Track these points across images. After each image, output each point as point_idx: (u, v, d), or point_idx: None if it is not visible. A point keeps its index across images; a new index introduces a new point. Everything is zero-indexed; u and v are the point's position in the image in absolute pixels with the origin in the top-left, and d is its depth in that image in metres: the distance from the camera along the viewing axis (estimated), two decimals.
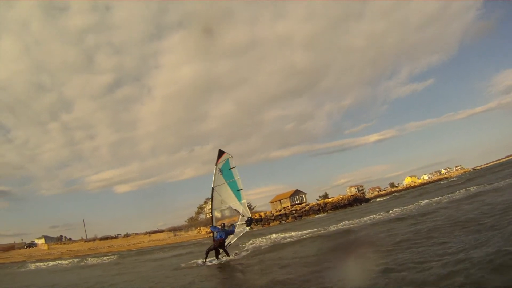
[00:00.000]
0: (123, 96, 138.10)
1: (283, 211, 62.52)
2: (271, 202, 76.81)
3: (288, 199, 71.12)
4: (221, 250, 13.54)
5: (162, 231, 59.42)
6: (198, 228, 56.63)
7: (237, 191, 16.11)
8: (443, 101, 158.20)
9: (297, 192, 72.97)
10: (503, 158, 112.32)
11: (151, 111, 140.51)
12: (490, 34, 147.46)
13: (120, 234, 63.92)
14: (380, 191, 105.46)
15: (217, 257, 13.48)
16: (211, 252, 13.47)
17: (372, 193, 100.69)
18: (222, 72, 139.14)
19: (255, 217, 60.43)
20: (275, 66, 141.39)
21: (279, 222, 59.35)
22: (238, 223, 16.02)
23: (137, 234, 62.36)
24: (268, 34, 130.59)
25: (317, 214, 62.53)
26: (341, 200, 68.12)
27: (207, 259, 13.25)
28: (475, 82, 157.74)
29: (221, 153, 15.94)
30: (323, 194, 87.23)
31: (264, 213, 62.25)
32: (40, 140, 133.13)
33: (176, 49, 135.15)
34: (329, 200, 69.86)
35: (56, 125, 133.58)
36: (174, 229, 57.68)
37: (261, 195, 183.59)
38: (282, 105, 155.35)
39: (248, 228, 16.11)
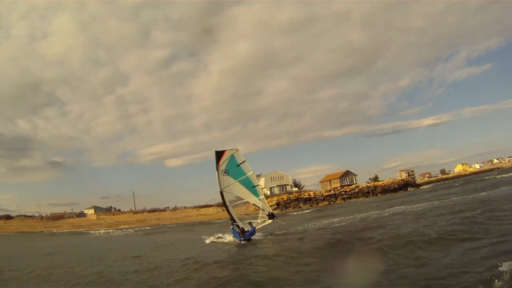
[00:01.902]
0: (179, 71, 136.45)
1: (332, 192, 60.56)
2: (320, 182, 75.04)
3: (338, 179, 68.90)
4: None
5: (211, 205, 58.95)
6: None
7: (252, 188, 15.40)
8: (500, 87, 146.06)
9: (347, 173, 70.55)
10: None
11: (206, 86, 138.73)
12: None
13: (169, 207, 64.41)
14: (430, 177, 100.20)
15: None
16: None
17: (422, 179, 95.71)
18: (279, 49, 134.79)
19: (304, 197, 58.86)
20: (332, 44, 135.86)
21: (328, 202, 57.69)
22: (260, 215, 15.88)
23: (185, 207, 62.55)
24: (325, 11, 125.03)
25: (367, 196, 60.16)
26: (391, 184, 65.33)
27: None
28: None
29: (219, 154, 14.84)
30: (374, 176, 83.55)
31: (314, 193, 60.43)
32: (95, 113, 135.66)
33: (233, 24, 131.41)
34: (379, 183, 66.94)
35: (111, 98, 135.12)
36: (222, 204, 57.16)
37: (311, 174, 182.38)
38: (337, 83, 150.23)
39: (270, 221, 15.80)
